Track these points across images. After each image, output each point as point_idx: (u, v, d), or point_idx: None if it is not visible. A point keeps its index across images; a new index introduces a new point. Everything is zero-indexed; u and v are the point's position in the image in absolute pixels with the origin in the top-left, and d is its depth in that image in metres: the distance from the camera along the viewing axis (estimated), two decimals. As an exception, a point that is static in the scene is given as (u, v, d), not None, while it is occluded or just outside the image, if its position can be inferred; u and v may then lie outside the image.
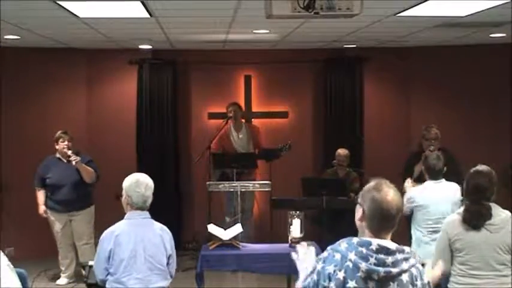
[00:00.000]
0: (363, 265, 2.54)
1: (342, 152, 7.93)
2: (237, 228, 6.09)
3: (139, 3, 5.23)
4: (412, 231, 5.43)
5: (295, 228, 5.77)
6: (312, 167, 9.14)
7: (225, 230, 6.15)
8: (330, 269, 2.60)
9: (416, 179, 6.77)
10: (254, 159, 8.18)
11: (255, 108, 9.23)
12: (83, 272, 5.47)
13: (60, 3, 5.20)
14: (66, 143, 7.11)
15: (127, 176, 4.53)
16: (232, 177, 7.93)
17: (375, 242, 2.59)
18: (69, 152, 7.05)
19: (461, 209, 4.14)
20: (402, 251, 2.62)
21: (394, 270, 2.56)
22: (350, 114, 9.12)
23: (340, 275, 2.57)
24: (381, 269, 2.55)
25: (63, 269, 7.43)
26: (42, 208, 7.25)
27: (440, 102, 9.07)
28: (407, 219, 5.52)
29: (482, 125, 8.97)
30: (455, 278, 4.11)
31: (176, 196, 9.10)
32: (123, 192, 4.44)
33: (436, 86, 9.10)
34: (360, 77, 9.17)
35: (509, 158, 8.42)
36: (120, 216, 4.51)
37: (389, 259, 2.56)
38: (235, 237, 6.03)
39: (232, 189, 7.71)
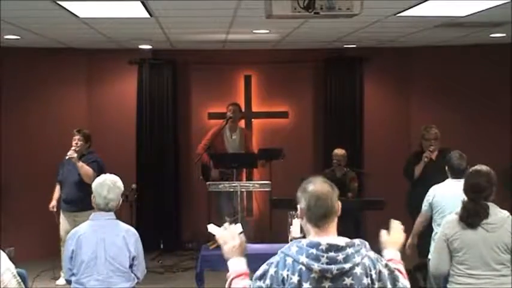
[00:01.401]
0: (316, 266, 2.59)
1: (338, 151, 7.90)
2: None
3: (139, 3, 5.24)
4: (434, 227, 5.36)
5: (295, 228, 5.76)
6: (312, 167, 9.13)
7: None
8: (284, 273, 2.63)
9: (416, 179, 6.78)
10: (255, 159, 8.17)
11: (255, 108, 9.23)
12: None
13: (60, 3, 5.20)
14: (76, 141, 7.12)
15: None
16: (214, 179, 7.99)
17: (324, 242, 2.64)
18: (71, 149, 7.04)
19: (459, 209, 4.14)
20: (353, 245, 2.67)
21: (347, 265, 2.61)
22: (350, 114, 9.11)
23: (295, 278, 2.61)
24: (334, 267, 2.60)
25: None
26: (52, 203, 7.24)
27: (440, 102, 9.06)
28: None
29: (482, 125, 8.96)
30: (454, 278, 4.11)
31: (176, 196, 9.11)
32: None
33: (436, 86, 9.09)
34: (360, 77, 9.16)
35: (509, 158, 8.42)
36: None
37: (340, 256, 2.62)
38: (235, 237, 6.02)
39: (232, 189, 7.72)
